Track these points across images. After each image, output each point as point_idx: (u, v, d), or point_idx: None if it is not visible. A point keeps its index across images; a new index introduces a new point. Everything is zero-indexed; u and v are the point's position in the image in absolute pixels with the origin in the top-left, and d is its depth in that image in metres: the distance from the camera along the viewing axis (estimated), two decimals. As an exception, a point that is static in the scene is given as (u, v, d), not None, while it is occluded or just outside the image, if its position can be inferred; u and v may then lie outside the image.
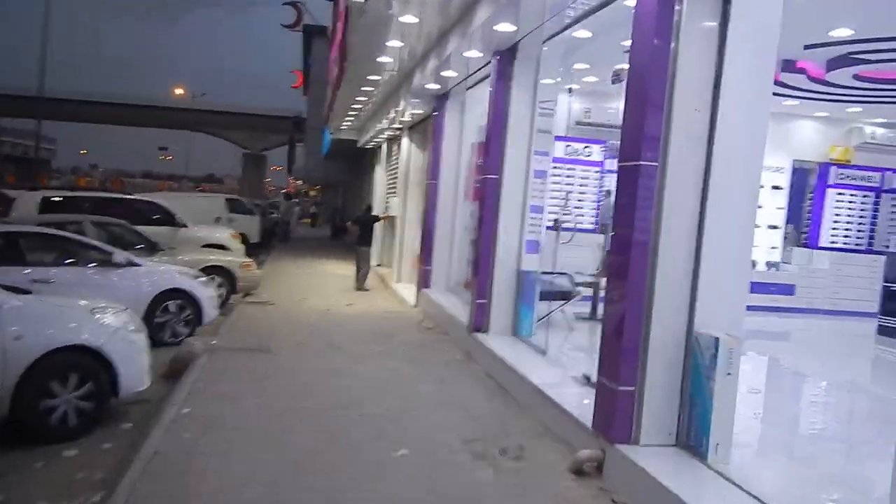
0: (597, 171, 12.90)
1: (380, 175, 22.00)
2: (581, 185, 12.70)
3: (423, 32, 9.98)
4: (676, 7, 4.85)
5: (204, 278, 10.16)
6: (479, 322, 8.86)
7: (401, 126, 16.59)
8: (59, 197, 14.93)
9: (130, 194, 18.50)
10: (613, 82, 6.75)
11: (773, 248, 13.17)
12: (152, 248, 11.44)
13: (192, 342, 8.60)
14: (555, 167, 9.95)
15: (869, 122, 13.78)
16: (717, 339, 4.61)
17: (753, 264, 11.90)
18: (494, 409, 6.70)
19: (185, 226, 15.67)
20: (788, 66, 9.27)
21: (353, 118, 21.50)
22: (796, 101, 11.49)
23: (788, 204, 13.38)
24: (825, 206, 12.87)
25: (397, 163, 18.23)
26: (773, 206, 13.01)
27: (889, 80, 10.13)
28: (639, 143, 4.90)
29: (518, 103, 8.75)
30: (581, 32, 8.04)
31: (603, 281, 10.59)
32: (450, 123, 12.72)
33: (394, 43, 10.75)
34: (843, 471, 5.48)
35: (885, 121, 13.63)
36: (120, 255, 8.91)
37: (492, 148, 8.89)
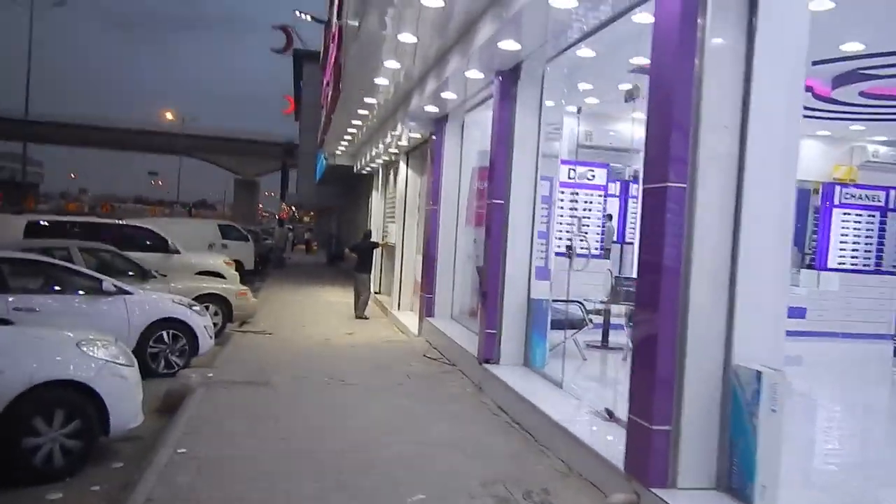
0: (600, 195, 12.67)
1: (376, 201, 21.68)
2: (585, 210, 12.46)
3: (422, 53, 9.69)
4: (699, 21, 4.56)
5: (198, 307, 9.76)
6: (489, 353, 8.47)
7: (398, 150, 16.29)
8: (46, 221, 14.48)
9: (120, 219, 18.06)
10: (626, 100, 6.45)
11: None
12: (144, 276, 11.09)
13: (187, 374, 8.21)
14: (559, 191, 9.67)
15: (871, 141, 13.60)
16: (759, 373, 4.26)
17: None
18: (512, 447, 6.29)
19: (178, 252, 15.30)
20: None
21: (347, 143, 21.21)
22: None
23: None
24: (832, 227, 12.63)
25: (394, 188, 17.92)
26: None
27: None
28: (665, 164, 4.58)
29: (523, 125, 8.44)
30: (585, 51, 7.78)
31: (613, 308, 10.36)
32: (449, 147, 12.41)
33: (391, 64, 10.45)
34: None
35: (887, 139, 13.46)
36: (109, 283, 8.53)
37: (497, 172, 8.58)
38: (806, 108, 10.42)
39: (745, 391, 4.33)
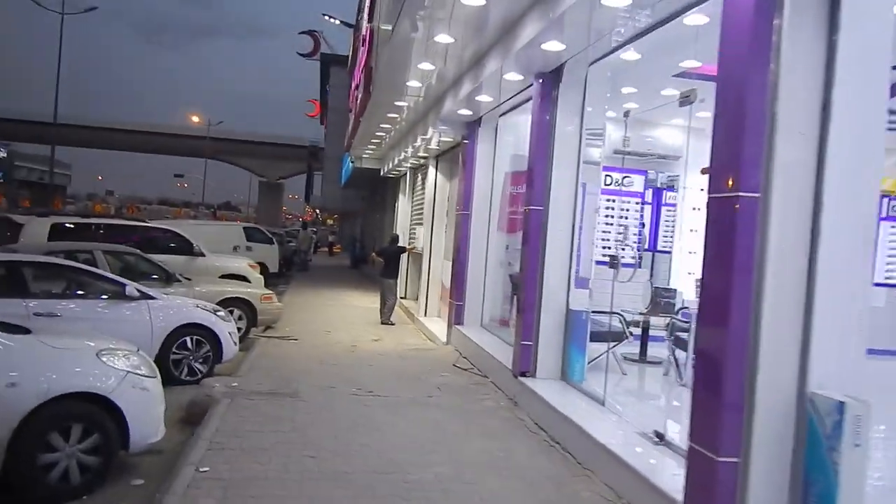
0: (637, 203, 12.24)
1: (403, 205, 21.37)
2: (621, 217, 12.04)
3: (457, 54, 9.33)
4: (775, 21, 4.16)
5: (223, 312, 9.48)
6: (526, 365, 8.09)
7: (427, 154, 15.96)
8: (70, 223, 14.27)
9: (145, 221, 17.88)
10: (681, 104, 6.05)
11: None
12: (168, 279, 10.84)
13: (210, 383, 7.91)
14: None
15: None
16: (841, 403, 3.85)
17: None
18: (554, 470, 5.91)
19: (202, 255, 15.08)
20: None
21: (375, 146, 20.92)
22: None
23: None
24: (879, 241, 12.10)
25: (422, 192, 17.60)
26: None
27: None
28: (735, 172, 4.19)
29: (564, 129, 8.07)
30: (629, 55, 7.39)
31: (652, 319, 9.94)
32: (482, 151, 12.06)
33: (424, 66, 10.12)
34: None
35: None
36: (132, 288, 8.25)
37: (535, 177, 8.21)
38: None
39: (823, 422, 3.92)
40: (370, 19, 14.30)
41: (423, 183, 17.32)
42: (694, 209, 12.20)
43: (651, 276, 12.30)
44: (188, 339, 8.73)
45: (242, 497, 4.86)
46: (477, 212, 11.99)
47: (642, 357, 9.72)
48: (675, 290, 9.89)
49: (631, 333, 9.21)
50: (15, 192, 63.37)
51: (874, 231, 4.41)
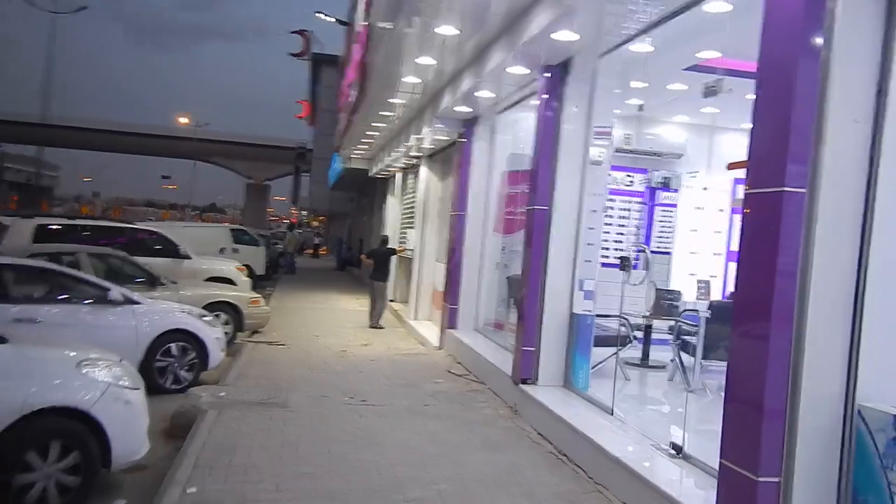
0: (639, 202, 11.94)
1: (392, 206, 20.99)
2: (621, 217, 11.73)
3: (458, 48, 8.96)
4: (829, 4, 3.82)
5: (209, 317, 9.08)
6: (527, 372, 7.73)
7: (419, 154, 15.59)
8: (55, 225, 13.80)
9: (131, 223, 17.41)
10: (706, 96, 5.71)
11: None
12: (153, 282, 10.45)
13: (197, 393, 7.51)
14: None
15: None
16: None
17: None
18: (563, 485, 5.55)
19: (188, 257, 14.64)
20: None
21: (366, 146, 20.51)
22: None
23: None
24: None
25: (413, 193, 17.23)
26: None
27: None
28: (780, 164, 3.83)
29: (570, 125, 7.72)
30: (640, 46, 7.06)
31: (655, 322, 9.62)
32: (479, 150, 11.71)
33: (424, 60, 9.74)
34: None
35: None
36: (117, 292, 7.85)
37: (540, 176, 7.84)
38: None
39: (875, 438, 3.58)
40: (367, 15, 13.92)
41: (415, 183, 16.95)
42: (697, 209, 11.95)
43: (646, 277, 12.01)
44: (173, 345, 8.33)
45: (232, 521, 4.49)
46: (472, 212, 11.65)
47: (644, 361, 9.41)
48: (679, 291, 9.57)
49: (635, 337, 8.90)
50: (4, 193, 62.52)
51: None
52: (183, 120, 70.84)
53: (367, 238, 29.26)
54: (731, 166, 6.17)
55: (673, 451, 5.40)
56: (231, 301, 11.52)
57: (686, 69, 8.06)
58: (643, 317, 9.22)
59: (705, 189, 12.08)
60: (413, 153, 15.53)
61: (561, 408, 6.86)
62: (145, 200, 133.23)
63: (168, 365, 8.31)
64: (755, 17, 4.19)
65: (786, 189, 3.78)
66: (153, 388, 7.88)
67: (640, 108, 6.66)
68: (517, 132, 11.40)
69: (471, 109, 11.12)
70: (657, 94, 9.23)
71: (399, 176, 19.98)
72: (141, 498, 5.01)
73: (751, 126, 4.19)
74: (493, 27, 8.07)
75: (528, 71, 8.33)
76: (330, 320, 15.12)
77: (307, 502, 4.86)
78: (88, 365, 5.01)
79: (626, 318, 8.42)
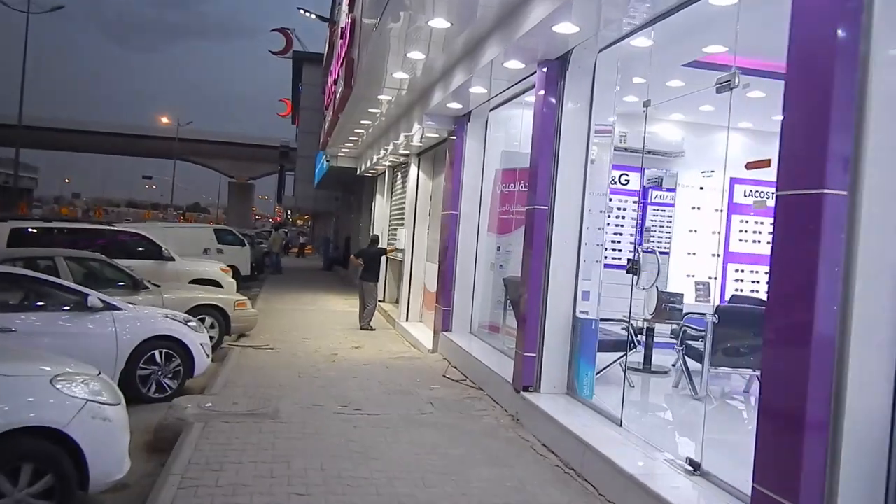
0: (635, 201, 11.65)
1: (381, 205, 20.62)
2: (618, 217, 11.42)
3: (451, 41, 8.61)
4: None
5: (194, 322, 8.70)
6: (529, 379, 7.41)
7: (408, 152, 15.23)
8: (32, 228, 13.35)
9: (112, 224, 16.97)
10: (719, 91, 5.39)
11: None
12: (135, 286, 10.10)
13: (181, 403, 7.13)
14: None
15: None
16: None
17: None
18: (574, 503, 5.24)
19: (171, 259, 14.25)
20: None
21: (353, 143, 20.12)
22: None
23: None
24: None
25: (403, 192, 16.87)
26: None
27: None
28: (817, 164, 3.53)
29: (571, 121, 7.41)
30: (639, 41, 6.77)
31: (657, 326, 9.33)
32: (471, 148, 11.37)
33: (414, 55, 9.40)
34: None
35: None
36: (95, 298, 7.45)
37: (540, 174, 7.52)
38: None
39: (927, 462, 3.29)
40: (351, 9, 13.55)
41: (404, 182, 16.60)
42: (693, 208, 11.68)
43: (638, 279, 11.71)
44: (157, 352, 7.98)
45: (222, 550, 4.13)
46: (465, 211, 11.31)
47: (646, 367, 9.12)
48: (681, 294, 9.28)
49: (639, 342, 8.61)
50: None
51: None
52: (163, 120, 70.12)
53: (354, 237, 28.88)
54: (750, 166, 5.84)
55: (690, 468, 5.10)
56: (217, 304, 11.16)
57: (685, 65, 7.79)
58: (645, 320, 8.93)
59: (702, 189, 11.83)
60: (402, 151, 15.18)
61: (566, 417, 6.55)
62: (127, 201, 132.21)
63: (151, 373, 7.97)
64: (762, 12, 3.89)
65: (825, 191, 3.47)
66: (136, 398, 7.60)
67: (646, 103, 6.32)
68: (510, 129, 11.09)
69: (462, 106, 10.79)
70: (659, 90, 8.92)
71: (388, 174, 19.62)
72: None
73: (781, 123, 3.88)
74: (487, 20, 7.74)
75: (523, 65, 8.02)
76: (319, 322, 14.76)
77: (302, 527, 4.52)
78: (63, 380, 4.64)
79: (630, 323, 8.11)
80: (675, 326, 8.94)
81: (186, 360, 8.18)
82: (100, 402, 4.70)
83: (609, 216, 10.90)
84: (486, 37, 8.18)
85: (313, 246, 54.71)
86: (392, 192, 19.18)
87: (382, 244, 16.57)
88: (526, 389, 7.41)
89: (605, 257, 9.68)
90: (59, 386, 4.57)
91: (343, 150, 21.93)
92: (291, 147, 52.17)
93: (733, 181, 11.70)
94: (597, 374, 7.47)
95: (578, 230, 7.38)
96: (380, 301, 16.36)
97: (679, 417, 7.67)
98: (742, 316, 8.06)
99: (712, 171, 10.34)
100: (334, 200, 38.64)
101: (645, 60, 7.15)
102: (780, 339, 3.79)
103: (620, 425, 6.25)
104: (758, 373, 7.91)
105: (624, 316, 8.39)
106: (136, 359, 7.78)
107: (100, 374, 5.07)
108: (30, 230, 13.17)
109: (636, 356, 9.05)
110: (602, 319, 7.79)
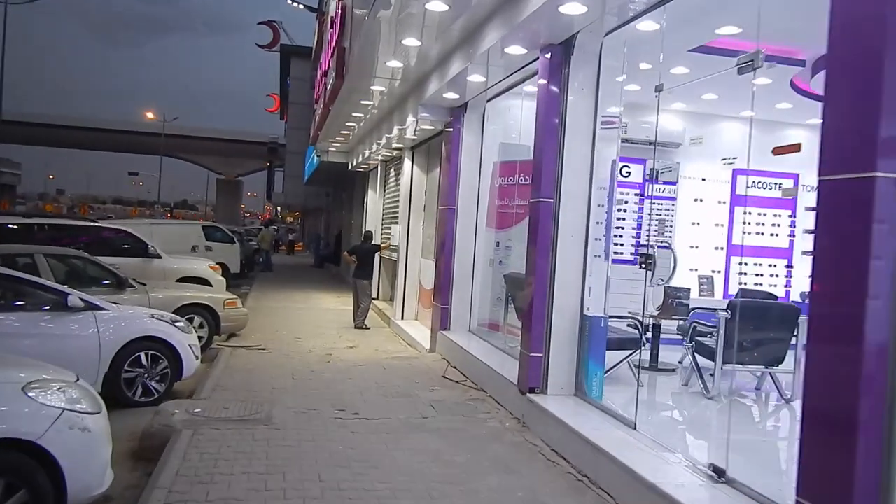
0: (636, 194, 11.32)
1: (373, 200, 20.21)
2: (619, 210, 11.09)
3: (447, 26, 8.24)
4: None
5: (182, 322, 8.31)
6: (535, 380, 7.06)
7: (402, 146, 14.83)
8: (12, 224, 12.93)
9: (95, 221, 16.53)
10: (741, 72, 5.05)
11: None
12: (120, 284, 9.72)
13: (169, 409, 6.77)
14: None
15: None
16: None
17: None
18: (591, 515, 4.90)
19: (158, 256, 13.85)
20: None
21: (344, 138, 19.70)
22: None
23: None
24: None
25: (396, 187, 16.49)
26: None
27: None
28: (867, 147, 3.19)
29: (576, 109, 7.05)
30: (646, 24, 6.43)
31: (664, 322, 9.01)
32: (468, 140, 11.00)
33: (409, 42, 9.02)
34: None
35: None
36: (76, 297, 7.06)
37: (544, 165, 7.15)
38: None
39: None
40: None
41: (398, 176, 16.21)
42: (696, 200, 11.38)
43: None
44: (143, 354, 7.61)
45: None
46: (463, 206, 10.95)
47: (654, 364, 8.80)
48: (688, 289, 8.96)
49: (647, 340, 8.29)
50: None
51: None
52: (149, 115, 69.32)
53: (346, 233, 28.47)
54: (778, 151, 5.52)
55: (715, 475, 4.76)
56: (206, 303, 10.78)
57: (692, 50, 7.49)
58: (651, 317, 8.61)
59: (704, 180, 11.53)
60: (395, 144, 14.78)
61: (575, 420, 6.21)
62: (113, 198, 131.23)
63: (137, 376, 7.61)
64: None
65: (877, 175, 3.13)
66: (121, 402, 7.23)
67: (658, 88, 5.95)
68: (508, 120, 10.73)
69: (458, 96, 10.41)
70: (664, 77, 8.57)
71: (380, 169, 19.21)
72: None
73: (822, 103, 3.54)
74: (487, 1, 7.35)
75: (525, 51, 7.66)
76: (312, 321, 14.39)
77: (300, 547, 4.16)
78: (37, 388, 4.26)
79: (638, 320, 7.79)
80: (681, 322, 8.65)
81: (174, 363, 7.82)
82: (78, 412, 4.33)
83: (620, 209, 10.66)
84: (485, 20, 7.81)
85: (303, 243, 54.24)
86: (385, 188, 18.78)
87: (376, 241, 16.19)
88: (532, 391, 7.06)
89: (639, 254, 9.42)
90: (32, 394, 4.19)
91: (334, 144, 21.51)
92: (280, 143, 51.62)
93: (735, 172, 11.42)
94: (605, 373, 7.14)
95: (585, 224, 7.03)
96: (373, 299, 16.00)
97: (693, 418, 7.35)
98: (755, 311, 7.76)
99: (734, 159, 9.96)
100: (325, 196, 38.19)
101: (651, 45, 6.80)
102: (826, 338, 3.45)
103: (634, 428, 5.90)
104: (771, 370, 7.65)
105: (630, 312, 8.13)
106: (121, 361, 7.42)
107: (78, 380, 4.69)
108: (10, 226, 12.75)
109: (643, 354, 8.73)
110: (612, 317, 7.48)
